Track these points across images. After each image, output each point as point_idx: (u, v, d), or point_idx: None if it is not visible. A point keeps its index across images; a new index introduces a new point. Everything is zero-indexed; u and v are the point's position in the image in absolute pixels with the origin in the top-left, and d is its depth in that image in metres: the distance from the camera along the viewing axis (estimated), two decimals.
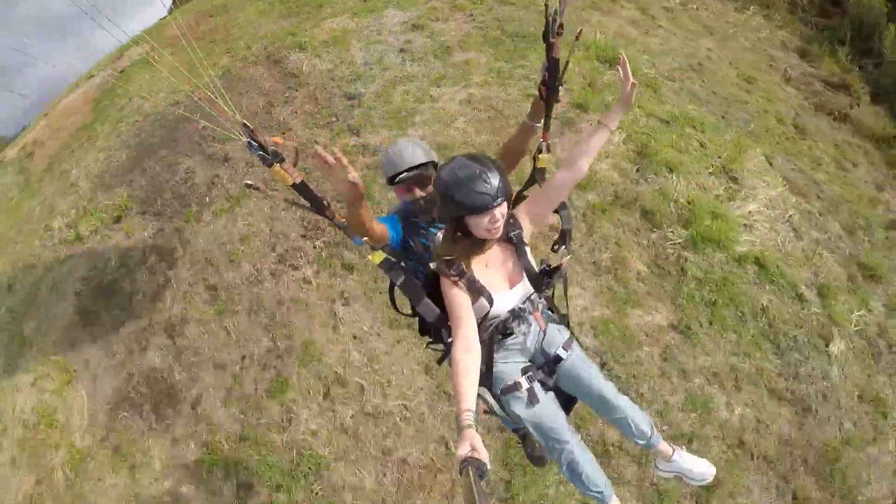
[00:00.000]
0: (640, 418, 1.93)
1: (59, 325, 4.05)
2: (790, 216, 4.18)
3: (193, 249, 4.05)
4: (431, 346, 2.13)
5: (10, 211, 5.70)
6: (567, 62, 1.95)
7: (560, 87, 1.99)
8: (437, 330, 1.96)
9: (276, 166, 1.64)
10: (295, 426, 3.25)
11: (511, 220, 1.84)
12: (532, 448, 1.87)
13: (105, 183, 4.91)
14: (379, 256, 1.86)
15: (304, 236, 3.99)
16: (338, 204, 2.03)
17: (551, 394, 1.89)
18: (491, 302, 1.76)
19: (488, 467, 1.29)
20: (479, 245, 1.76)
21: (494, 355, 1.83)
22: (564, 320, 2.02)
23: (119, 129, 5.49)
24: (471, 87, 4.84)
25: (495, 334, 1.83)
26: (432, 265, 1.81)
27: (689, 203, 4.05)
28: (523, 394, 1.81)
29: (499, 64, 5.07)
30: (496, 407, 1.82)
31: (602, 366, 3.23)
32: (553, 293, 2.03)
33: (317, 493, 3.06)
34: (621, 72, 1.77)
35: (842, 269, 3.98)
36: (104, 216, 4.47)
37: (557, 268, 1.92)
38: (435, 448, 3.12)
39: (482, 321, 1.75)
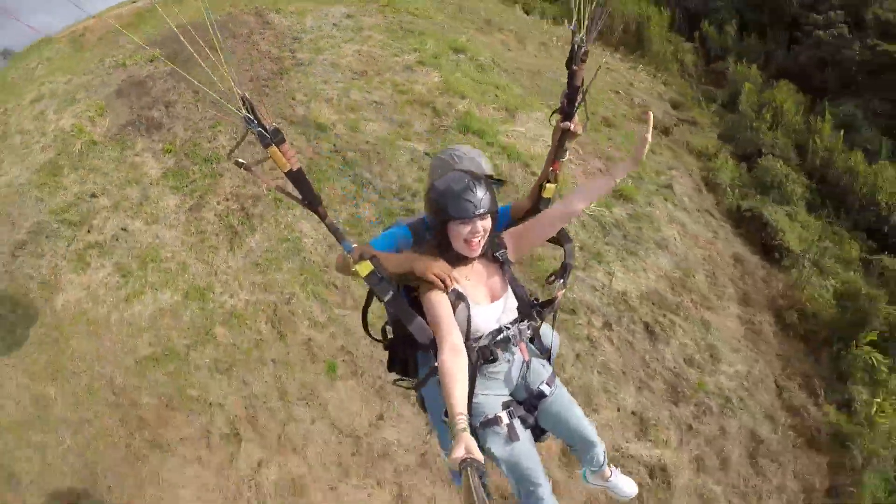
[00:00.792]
0: (601, 451, 1.97)
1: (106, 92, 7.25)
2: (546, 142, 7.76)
3: None
4: (398, 383, 2.09)
5: (68, 60, 8.96)
6: (583, 95, 1.96)
7: (574, 117, 1.97)
8: (409, 361, 1.95)
9: (275, 148, 1.60)
10: None
11: (497, 240, 1.91)
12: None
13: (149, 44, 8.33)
14: (366, 268, 1.78)
15: None
16: None
17: (528, 432, 1.88)
18: (468, 311, 1.77)
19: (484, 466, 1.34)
20: (462, 257, 1.81)
21: (476, 383, 1.77)
22: (546, 354, 2.01)
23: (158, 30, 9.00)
24: (364, 46, 8.65)
25: (479, 359, 1.80)
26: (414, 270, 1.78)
27: (466, 113, 7.66)
28: (503, 429, 1.79)
29: (387, 41, 8.94)
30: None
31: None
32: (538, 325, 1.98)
33: None
34: (648, 129, 1.78)
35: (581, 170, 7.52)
36: (144, 56, 7.80)
37: (551, 301, 1.95)
38: None
39: (465, 339, 1.74)
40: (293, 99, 7.15)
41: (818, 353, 6.10)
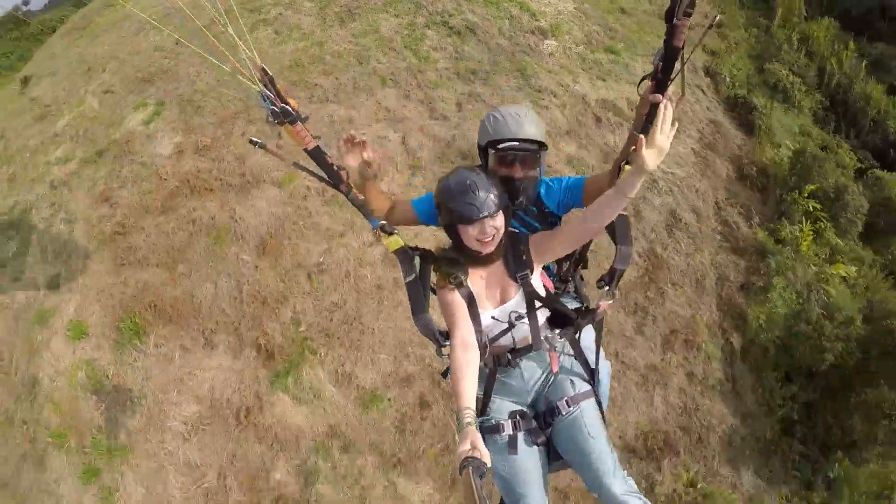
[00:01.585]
0: None
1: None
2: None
3: None
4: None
5: None
6: (683, 65, 1.55)
7: (670, 86, 1.58)
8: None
9: (289, 126, 1.58)
10: None
11: (524, 255, 1.81)
12: None
13: None
14: (395, 243, 1.80)
15: None
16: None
17: (537, 450, 1.76)
18: (476, 310, 1.75)
19: (489, 466, 1.30)
20: (477, 257, 1.77)
21: (494, 387, 1.77)
22: (589, 372, 1.87)
23: None
24: None
25: (495, 364, 1.79)
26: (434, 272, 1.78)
27: None
28: (503, 439, 1.73)
29: None
30: None
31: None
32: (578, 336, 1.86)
33: None
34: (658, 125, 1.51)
35: (582, 33, 8.90)
36: None
37: (593, 310, 1.83)
38: None
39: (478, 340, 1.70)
40: None
41: (765, 198, 7.24)
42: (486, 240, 1.71)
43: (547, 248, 1.83)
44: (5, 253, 4.95)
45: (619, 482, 1.63)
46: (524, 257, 1.79)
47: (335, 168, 1.74)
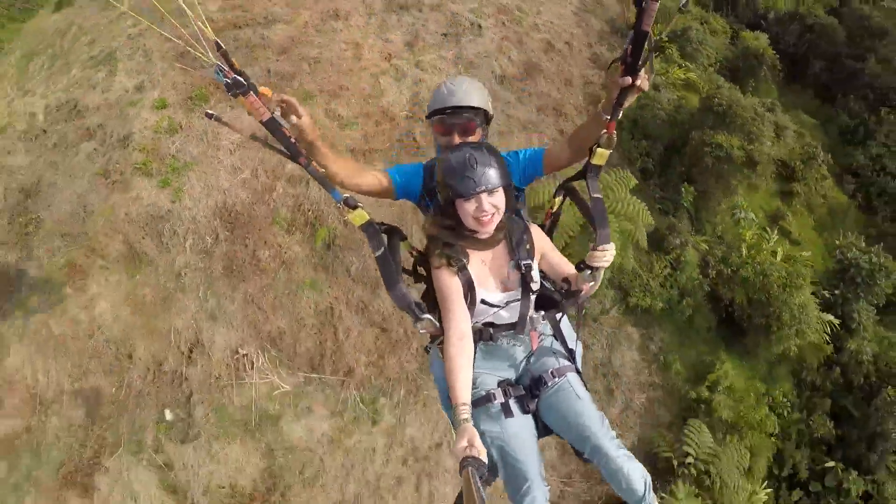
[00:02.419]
0: (634, 473, 1.63)
1: None
2: None
3: None
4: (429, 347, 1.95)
5: None
6: (651, 48, 1.54)
7: (641, 70, 1.57)
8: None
9: (243, 98, 1.52)
10: None
11: (525, 238, 1.82)
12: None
13: None
14: (360, 217, 1.73)
15: None
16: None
17: (530, 419, 1.78)
18: (474, 296, 1.74)
19: (486, 463, 1.33)
20: (476, 238, 1.75)
21: (476, 361, 1.71)
22: (571, 354, 1.91)
23: None
24: None
25: (478, 340, 1.78)
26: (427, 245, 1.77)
27: None
28: (496, 406, 1.73)
29: None
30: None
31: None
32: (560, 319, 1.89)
33: None
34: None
35: None
36: None
37: (576, 292, 1.82)
38: None
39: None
40: None
41: None
42: (485, 218, 1.68)
43: (551, 264, 1.87)
44: (97, 79, 7.43)
45: (611, 442, 1.64)
46: (528, 246, 1.79)
47: (292, 140, 1.64)
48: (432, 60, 8.52)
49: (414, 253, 2.00)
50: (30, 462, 5.26)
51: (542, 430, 1.83)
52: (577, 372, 1.86)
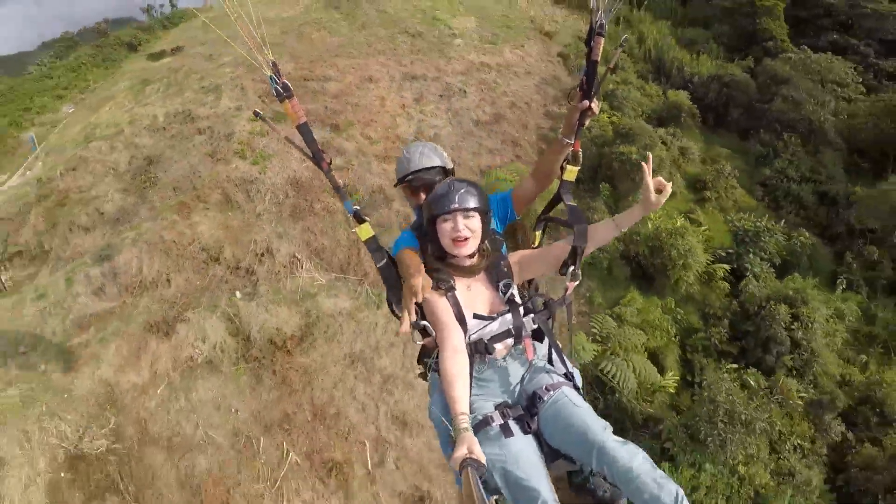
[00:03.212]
0: (661, 486, 1.45)
1: None
2: None
3: None
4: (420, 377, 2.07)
5: None
6: (607, 70, 1.92)
7: (594, 97, 1.90)
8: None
9: (287, 102, 1.80)
10: None
11: (505, 268, 1.94)
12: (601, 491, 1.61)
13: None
14: (366, 232, 1.93)
15: None
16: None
17: (532, 439, 1.71)
18: (463, 320, 1.82)
19: (486, 468, 1.35)
20: (465, 268, 1.88)
21: (471, 390, 1.73)
22: (569, 377, 1.89)
23: None
24: None
25: (473, 353, 1.81)
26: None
27: None
28: (495, 428, 1.69)
29: None
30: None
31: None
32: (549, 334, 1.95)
33: None
34: (645, 176, 1.74)
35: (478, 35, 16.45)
36: None
37: (563, 295, 1.93)
38: None
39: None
40: None
41: None
42: (460, 238, 1.79)
43: (528, 265, 1.97)
44: (207, 100, 11.94)
45: (612, 437, 1.56)
46: (506, 269, 1.91)
47: (319, 147, 1.85)
48: (431, 110, 12.75)
49: None
50: (118, 324, 8.49)
51: (549, 454, 1.71)
52: (575, 388, 1.83)
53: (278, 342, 8.18)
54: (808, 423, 8.37)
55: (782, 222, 11.34)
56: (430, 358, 1.93)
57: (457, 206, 1.79)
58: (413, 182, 2.13)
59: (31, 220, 10.97)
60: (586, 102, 1.93)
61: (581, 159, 2.07)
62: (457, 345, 1.71)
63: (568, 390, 1.77)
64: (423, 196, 2.10)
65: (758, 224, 10.60)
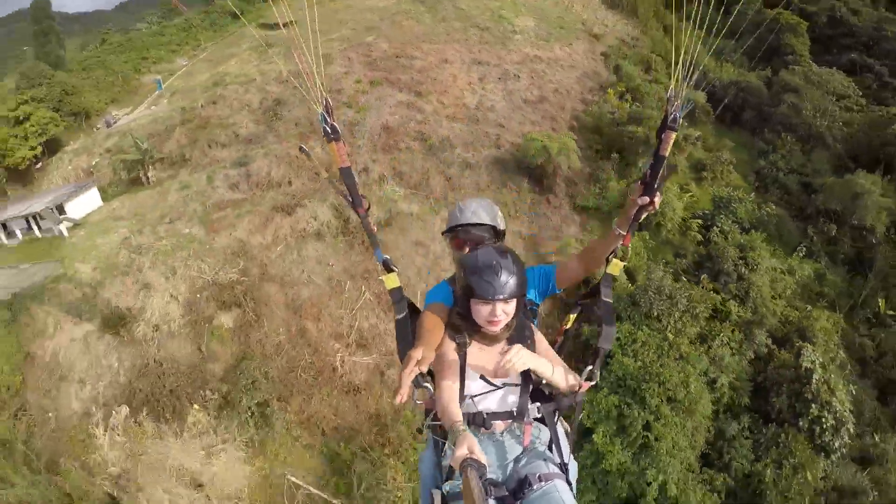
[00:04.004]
0: None
1: None
2: None
3: None
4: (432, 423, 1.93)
5: None
6: (669, 168, 1.81)
7: (658, 192, 1.79)
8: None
9: (333, 144, 1.80)
10: None
11: (527, 334, 1.90)
12: None
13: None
14: (393, 282, 1.91)
15: None
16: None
17: None
18: (464, 372, 1.82)
19: (487, 467, 1.36)
20: (484, 333, 1.82)
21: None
22: (564, 469, 1.84)
23: None
24: None
25: (470, 425, 1.80)
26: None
27: None
28: None
29: None
30: None
31: None
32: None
33: None
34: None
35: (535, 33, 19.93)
36: None
37: (574, 392, 1.85)
38: None
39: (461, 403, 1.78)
40: None
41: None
42: (495, 321, 1.76)
43: (545, 353, 1.91)
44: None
45: None
46: (530, 342, 1.87)
47: (358, 192, 1.85)
48: (491, 88, 16.44)
49: None
50: (250, 206, 12.73)
51: None
52: (568, 483, 1.79)
53: None
54: (741, 333, 11.32)
55: (767, 204, 14.08)
56: (427, 417, 1.91)
57: (500, 297, 1.73)
58: (461, 235, 2.13)
59: (175, 136, 15.76)
60: (646, 198, 1.81)
61: (629, 255, 2.07)
62: (451, 385, 1.77)
63: (561, 485, 1.72)
64: (467, 250, 2.08)
65: (731, 193, 13.51)
